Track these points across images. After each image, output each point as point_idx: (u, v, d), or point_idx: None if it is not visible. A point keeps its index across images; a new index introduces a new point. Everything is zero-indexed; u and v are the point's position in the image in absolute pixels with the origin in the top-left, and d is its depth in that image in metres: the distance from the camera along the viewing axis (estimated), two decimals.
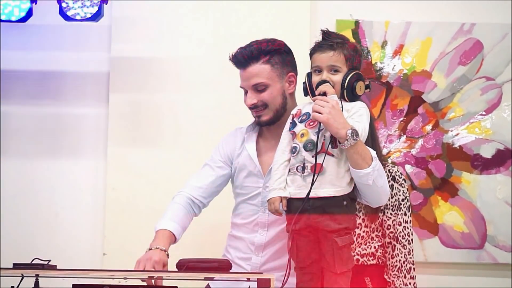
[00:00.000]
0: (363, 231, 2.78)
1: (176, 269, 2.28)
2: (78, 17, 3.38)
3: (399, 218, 2.78)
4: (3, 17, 3.39)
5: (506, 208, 3.62)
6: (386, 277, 2.77)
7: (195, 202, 2.80)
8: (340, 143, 2.39)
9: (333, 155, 2.42)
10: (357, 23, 3.70)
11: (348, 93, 2.48)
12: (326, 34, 2.53)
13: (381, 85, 3.69)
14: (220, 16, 3.70)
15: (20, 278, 2.27)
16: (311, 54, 2.55)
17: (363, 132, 2.42)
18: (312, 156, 2.40)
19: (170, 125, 3.68)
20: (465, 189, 3.63)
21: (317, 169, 2.39)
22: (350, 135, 2.36)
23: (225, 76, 3.35)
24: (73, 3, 3.37)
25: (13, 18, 3.41)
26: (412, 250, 2.78)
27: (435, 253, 3.61)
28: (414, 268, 2.76)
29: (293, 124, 2.51)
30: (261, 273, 2.37)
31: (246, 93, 2.77)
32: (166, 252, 2.57)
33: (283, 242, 2.66)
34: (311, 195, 2.38)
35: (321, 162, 2.39)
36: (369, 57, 3.69)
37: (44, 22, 3.66)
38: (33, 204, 3.70)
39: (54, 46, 3.74)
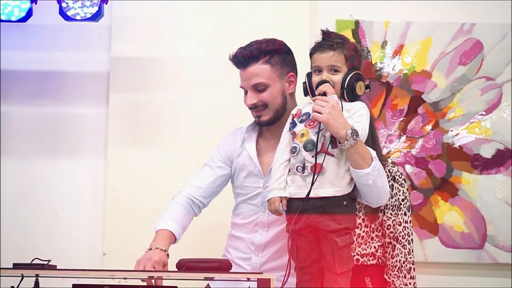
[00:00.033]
0: (363, 231, 2.78)
1: (176, 269, 2.28)
2: (78, 17, 3.38)
3: (399, 218, 2.78)
4: (3, 17, 3.39)
5: (506, 208, 3.62)
6: (386, 277, 2.77)
7: (195, 202, 2.80)
8: (340, 143, 2.39)
9: (333, 155, 2.42)
10: (357, 23, 3.70)
11: (348, 93, 2.48)
12: (326, 34, 2.53)
13: (381, 85, 3.69)
14: (220, 16, 3.70)
15: (20, 278, 2.27)
16: (311, 54, 2.55)
17: (363, 132, 2.42)
18: (312, 156, 2.40)
19: (170, 125, 3.68)
20: (465, 189, 3.63)
21: (317, 169, 2.39)
22: (350, 135, 2.36)
23: (225, 76, 3.35)
24: (73, 3, 3.37)
25: (13, 18, 3.41)
26: (412, 250, 2.78)
27: (435, 253, 3.61)
28: (414, 268, 2.76)
29: (293, 124, 2.51)
30: (261, 273, 2.37)
31: (246, 93, 2.77)
32: (166, 252, 2.57)
33: (283, 242, 2.66)
34: (311, 195, 2.38)
35: (321, 162, 2.39)
36: (369, 57, 3.69)
37: (44, 22, 3.66)
38: (33, 204, 3.70)
39: (54, 46, 3.74)
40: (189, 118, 3.67)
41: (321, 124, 2.40)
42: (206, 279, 2.57)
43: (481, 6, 3.73)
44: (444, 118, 3.67)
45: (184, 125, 3.67)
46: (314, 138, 2.42)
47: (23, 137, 3.73)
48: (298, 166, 2.44)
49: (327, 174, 2.41)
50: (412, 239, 2.79)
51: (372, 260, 2.78)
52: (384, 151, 3.61)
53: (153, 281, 2.40)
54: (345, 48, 2.50)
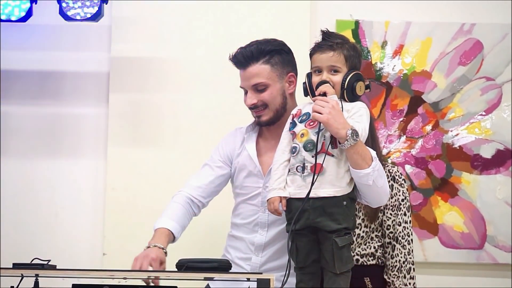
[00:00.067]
0: (363, 231, 2.78)
1: (176, 269, 2.28)
2: (78, 17, 3.38)
3: (399, 218, 2.78)
4: (3, 17, 3.40)
5: (506, 208, 3.62)
6: (386, 277, 2.77)
7: (194, 202, 2.80)
8: (340, 143, 2.39)
9: (333, 155, 2.42)
10: (357, 23, 3.70)
11: (348, 93, 2.48)
12: (326, 34, 2.53)
13: (381, 85, 3.69)
14: (220, 16, 3.70)
15: (20, 278, 2.26)
16: (311, 55, 2.55)
17: (363, 132, 2.42)
18: (312, 156, 2.40)
19: (170, 125, 3.68)
20: (465, 189, 3.63)
21: (317, 169, 2.39)
22: (350, 135, 2.36)
23: (225, 76, 3.35)
24: (73, 3, 3.37)
25: (13, 18, 3.41)
26: (412, 250, 2.78)
27: (435, 253, 3.61)
28: (414, 268, 2.76)
29: (293, 124, 2.51)
30: (261, 273, 2.36)
31: (246, 93, 2.77)
32: (164, 250, 2.56)
33: (283, 242, 2.66)
34: (311, 195, 2.38)
35: (321, 162, 2.39)
36: (369, 57, 3.69)
37: (44, 22, 3.66)
38: (33, 204, 3.70)
39: (54, 46, 3.74)
40: (189, 118, 3.67)
41: (321, 124, 2.40)
42: (206, 279, 2.57)
43: (481, 6, 3.73)
44: (444, 118, 3.67)
45: (184, 125, 3.67)
46: (314, 138, 2.42)
47: (23, 137, 3.73)
48: (298, 166, 2.44)
49: (327, 174, 2.41)
50: (412, 239, 2.79)
51: (372, 260, 2.78)
52: (384, 151, 3.61)
53: (150, 280, 2.40)
54: (345, 48, 2.50)
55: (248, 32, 3.55)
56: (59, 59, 3.75)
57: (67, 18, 3.39)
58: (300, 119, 2.50)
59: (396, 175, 2.81)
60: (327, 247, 2.39)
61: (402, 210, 2.79)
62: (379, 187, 2.47)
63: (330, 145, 2.41)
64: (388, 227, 2.78)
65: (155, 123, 3.68)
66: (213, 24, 3.70)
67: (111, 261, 3.53)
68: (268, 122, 2.76)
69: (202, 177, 2.84)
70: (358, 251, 2.77)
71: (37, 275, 2.26)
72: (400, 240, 2.76)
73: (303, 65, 2.72)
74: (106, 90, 3.72)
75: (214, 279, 2.57)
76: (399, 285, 2.73)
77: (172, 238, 2.67)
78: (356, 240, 2.77)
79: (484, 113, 3.67)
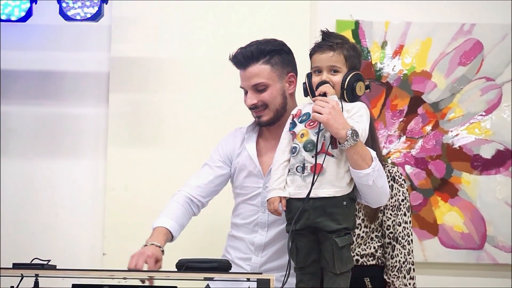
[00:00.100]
0: (363, 232, 2.78)
1: (176, 269, 2.28)
2: (78, 17, 3.38)
3: (398, 219, 2.78)
4: (3, 17, 3.40)
5: (506, 208, 3.62)
6: (385, 277, 2.77)
7: (194, 201, 2.80)
8: (340, 143, 2.39)
9: (333, 156, 2.42)
10: (357, 23, 3.70)
11: (348, 94, 2.48)
12: (325, 34, 2.53)
13: (381, 86, 3.69)
14: (220, 16, 3.70)
15: (20, 278, 2.26)
16: (311, 55, 2.55)
17: (363, 133, 2.42)
18: (312, 157, 2.40)
19: (170, 125, 3.68)
20: (465, 190, 3.63)
21: (317, 170, 2.39)
22: (350, 135, 2.36)
23: (225, 76, 3.35)
24: (73, 3, 3.38)
25: (13, 18, 3.41)
26: (412, 250, 2.78)
27: (435, 254, 3.61)
28: (413, 269, 2.76)
29: (293, 124, 2.51)
30: (261, 273, 2.36)
31: (246, 93, 2.77)
32: (161, 249, 2.56)
33: (283, 242, 2.66)
34: (311, 195, 2.38)
35: (321, 163, 2.39)
36: (369, 57, 3.69)
37: (44, 22, 3.66)
38: (33, 204, 3.70)
39: (54, 46, 3.74)
40: (189, 118, 3.67)
41: (321, 124, 2.40)
42: (206, 279, 2.57)
43: (481, 7, 3.73)
44: (444, 119, 3.67)
45: (184, 125, 3.66)
46: (314, 138, 2.42)
47: (23, 137, 3.73)
48: (298, 166, 2.44)
49: (327, 174, 2.40)
50: (411, 240, 2.79)
51: (372, 260, 2.78)
52: (384, 152, 3.61)
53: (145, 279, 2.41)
54: (344, 48, 2.50)
55: (248, 32, 3.55)
56: (59, 59, 3.75)
57: (67, 18, 3.39)
58: (300, 119, 2.50)
59: (396, 176, 2.81)
60: (327, 247, 2.39)
61: (402, 211, 2.79)
62: (379, 187, 2.47)
63: (330, 145, 2.41)
64: (388, 227, 2.78)
65: (155, 123, 3.68)
66: (213, 24, 3.70)
67: (111, 261, 3.52)
68: (268, 122, 2.75)
69: (202, 177, 2.84)
70: (358, 251, 2.77)
71: (37, 275, 2.26)
72: (400, 241, 2.76)
73: (303, 65, 2.72)
74: (106, 90, 3.71)
75: (214, 279, 2.57)
76: (399, 285, 2.73)
77: (171, 237, 2.67)
78: (356, 240, 2.77)
79: (484, 114, 3.67)
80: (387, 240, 2.78)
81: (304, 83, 2.54)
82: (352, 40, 2.69)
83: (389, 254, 2.77)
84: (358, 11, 3.71)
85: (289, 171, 2.47)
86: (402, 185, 2.81)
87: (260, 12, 3.69)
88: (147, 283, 2.47)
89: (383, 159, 2.93)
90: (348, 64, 2.49)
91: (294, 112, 2.56)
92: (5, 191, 3.68)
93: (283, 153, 2.50)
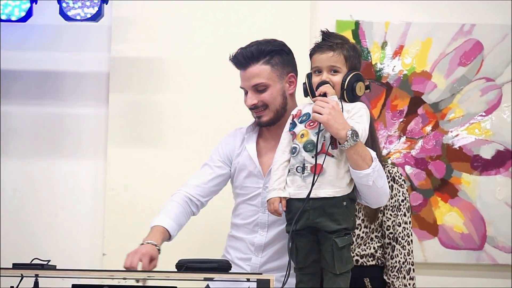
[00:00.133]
0: (363, 232, 2.78)
1: (176, 270, 2.28)
2: (78, 17, 3.38)
3: (398, 219, 2.78)
4: (3, 17, 3.40)
5: (506, 209, 3.62)
6: (385, 277, 2.77)
7: (193, 201, 2.80)
8: (340, 144, 2.39)
9: (333, 156, 2.41)
10: (357, 23, 3.70)
11: (348, 94, 2.48)
12: (325, 34, 2.53)
13: (381, 86, 3.69)
14: (220, 16, 3.70)
15: (20, 278, 2.26)
16: (311, 55, 2.55)
17: (363, 133, 2.41)
18: (312, 157, 2.40)
19: (170, 125, 3.68)
20: (465, 190, 3.63)
21: (317, 170, 2.39)
22: (350, 136, 2.36)
23: (225, 76, 3.35)
24: (73, 3, 3.37)
25: (13, 18, 3.41)
26: (412, 251, 2.78)
27: (435, 254, 3.61)
28: (413, 269, 2.76)
29: (293, 125, 2.51)
30: (261, 273, 2.37)
31: (246, 93, 2.77)
32: (158, 247, 2.56)
33: (283, 242, 2.66)
34: (311, 195, 2.38)
35: (321, 163, 2.39)
36: (369, 57, 3.69)
37: (44, 22, 3.66)
38: (33, 204, 3.70)
39: (54, 46, 3.74)
40: (189, 118, 3.67)
41: (321, 124, 2.40)
42: (205, 279, 2.57)
43: (481, 7, 3.73)
44: (444, 119, 3.67)
45: (184, 125, 3.66)
46: (314, 138, 2.42)
47: (23, 137, 3.73)
48: (298, 167, 2.44)
49: (327, 174, 2.40)
50: (411, 240, 2.79)
51: (372, 260, 2.78)
52: (384, 152, 3.61)
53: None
54: (344, 48, 2.50)
55: (248, 32, 3.55)
56: (59, 59, 3.75)
57: (67, 18, 3.39)
58: (300, 119, 2.50)
59: (396, 176, 2.81)
60: (327, 247, 2.39)
61: (402, 211, 2.79)
62: (379, 187, 2.47)
63: (330, 146, 2.41)
64: (388, 227, 2.78)
65: (155, 123, 3.68)
66: (213, 24, 3.70)
67: (111, 261, 3.52)
68: (268, 123, 2.75)
69: (201, 177, 2.85)
70: (358, 251, 2.77)
71: (37, 275, 2.26)
72: (400, 241, 2.76)
73: (303, 65, 2.72)
74: (106, 90, 3.72)
75: (214, 279, 2.57)
76: (399, 286, 2.73)
77: (168, 236, 2.67)
78: (356, 240, 2.77)
79: (484, 114, 3.67)
80: (387, 241, 2.78)
81: (304, 83, 2.54)
82: (352, 40, 2.69)
83: (389, 255, 2.77)
84: (358, 11, 3.71)
85: (289, 171, 2.47)
86: (402, 186, 2.81)
87: (260, 12, 3.69)
88: (141, 283, 2.47)
89: (383, 160, 2.93)
90: (348, 64, 2.49)
91: (294, 112, 2.56)
92: (5, 191, 3.68)
93: (283, 154, 2.50)
